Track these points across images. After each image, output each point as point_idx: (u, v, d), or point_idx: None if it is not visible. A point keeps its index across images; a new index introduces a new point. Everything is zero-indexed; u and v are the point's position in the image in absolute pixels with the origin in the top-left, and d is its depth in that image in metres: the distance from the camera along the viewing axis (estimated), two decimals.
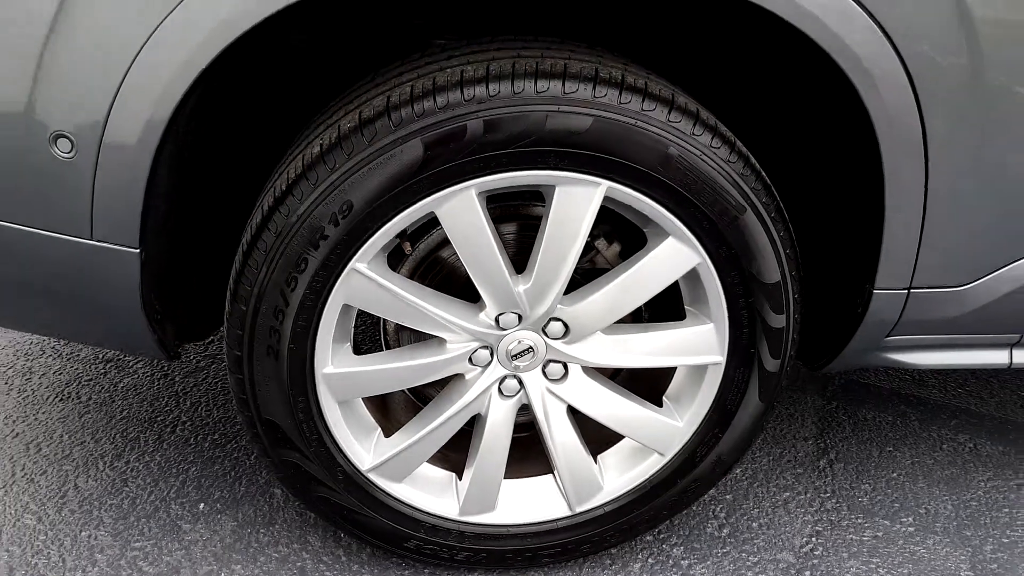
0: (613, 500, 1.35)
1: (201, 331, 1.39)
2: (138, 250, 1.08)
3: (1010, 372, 1.91)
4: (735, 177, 1.11)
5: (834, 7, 1.01)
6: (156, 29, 0.94)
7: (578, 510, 1.35)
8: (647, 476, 1.34)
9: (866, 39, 1.03)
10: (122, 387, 1.85)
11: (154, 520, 1.50)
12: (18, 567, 1.41)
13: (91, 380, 1.87)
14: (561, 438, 1.30)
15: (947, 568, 1.45)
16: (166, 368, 1.90)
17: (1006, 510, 1.57)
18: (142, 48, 0.95)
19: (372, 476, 1.28)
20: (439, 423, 1.26)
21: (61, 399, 1.81)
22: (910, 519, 1.55)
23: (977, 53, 1.04)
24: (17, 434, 1.71)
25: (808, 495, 1.60)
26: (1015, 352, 1.37)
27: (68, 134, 1.00)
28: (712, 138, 1.09)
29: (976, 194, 1.15)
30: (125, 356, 1.95)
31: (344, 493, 1.28)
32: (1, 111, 0.99)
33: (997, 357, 1.38)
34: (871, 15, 1.02)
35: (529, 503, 1.37)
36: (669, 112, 1.07)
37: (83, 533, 1.47)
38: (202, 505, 1.54)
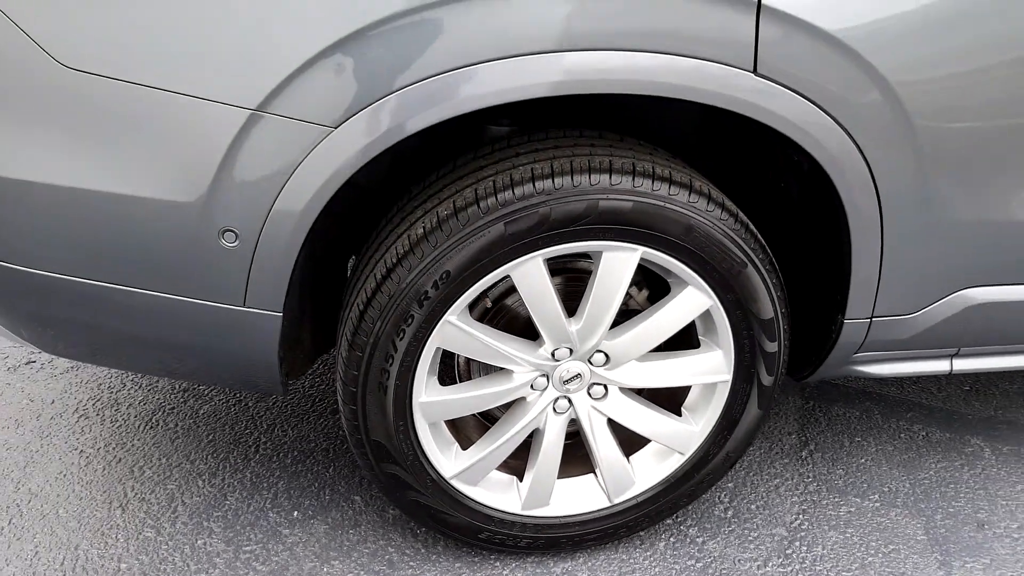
0: (643, 492, 1.68)
1: (300, 370, 1.68)
2: (280, 313, 1.38)
3: (951, 376, 2.27)
4: (739, 240, 1.44)
5: (812, 119, 1.34)
6: (308, 155, 1.24)
7: (616, 501, 1.68)
8: (670, 471, 1.67)
9: (830, 137, 1.36)
10: (203, 414, 2.13)
11: (257, 527, 1.79)
12: (150, 572, 1.69)
13: (174, 408, 2.14)
14: (603, 444, 1.62)
15: (907, 534, 1.80)
16: (239, 396, 2.18)
17: (952, 486, 1.94)
18: (298, 166, 1.25)
19: (453, 482, 1.59)
20: (507, 438, 1.57)
21: (150, 426, 2.08)
22: (876, 496, 1.90)
23: (916, 145, 1.38)
24: (120, 459, 1.98)
25: (794, 480, 1.95)
26: (954, 361, 1.73)
27: (234, 229, 1.29)
28: (721, 211, 1.42)
29: (919, 247, 1.49)
30: (199, 387, 2.22)
31: (432, 496, 1.59)
32: (180, 212, 1.27)
33: (940, 366, 1.73)
34: (834, 119, 1.35)
35: (575, 497, 1.69)
36: (689, 194, 1.39)
37: (198, 541, 1.76)
38: (296, 513, 1.83)
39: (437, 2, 1.18)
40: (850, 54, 1.30)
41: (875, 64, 1.31)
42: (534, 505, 1.66)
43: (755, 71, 1.29)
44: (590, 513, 1.68)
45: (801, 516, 1.84)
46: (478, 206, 1.35)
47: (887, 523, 1.83)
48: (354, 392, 1.46)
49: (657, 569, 1.71)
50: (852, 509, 1.86)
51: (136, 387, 2.22)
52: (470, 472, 1.60)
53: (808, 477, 1.96)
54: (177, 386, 2.22)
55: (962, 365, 1.73)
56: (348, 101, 1.22)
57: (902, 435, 2.10)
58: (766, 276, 1.48)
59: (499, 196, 1.35)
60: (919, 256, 1.51)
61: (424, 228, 1.37)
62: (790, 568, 1.71)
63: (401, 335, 1.41)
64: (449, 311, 1.41)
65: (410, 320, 1.40)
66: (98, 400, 2.17)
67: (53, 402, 2.16)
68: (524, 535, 1.67)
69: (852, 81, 1.32)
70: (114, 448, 2.01)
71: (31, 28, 1.18)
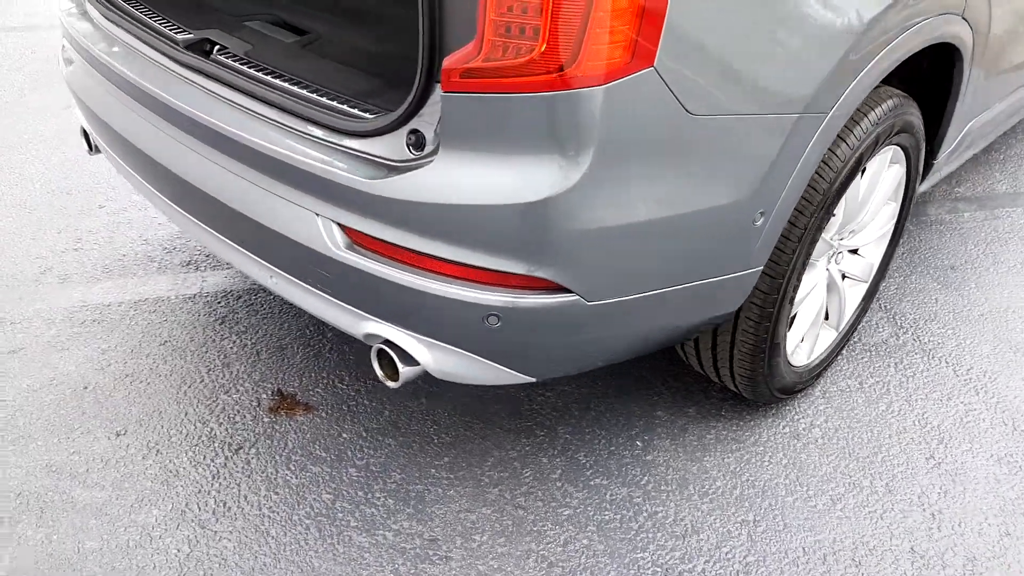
0: (850, 317, 2.39)
1: None
2: (762, 267, 1.75)
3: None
4: (920, 126, 2.16)
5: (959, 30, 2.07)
6: (814, 137, 1.62)
7: (840, 328, 2.36)
8: (860, 296, 2.41)
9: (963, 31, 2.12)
10: (460, 406, 2.22)
11: (627, 465, 2.10)
12: (606, 531, 1.93)
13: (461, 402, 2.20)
14: (841, 291, 2.28)
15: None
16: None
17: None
18: (807, 149, 1.62)
19: (789, 356, 2.13)
20: (813, 316, 2.15)
21: (450, 434, 2.14)
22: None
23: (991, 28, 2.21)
24: (456, 461, 2.05)
25: None
26: (944, 167, 2.71)
27: (763, 210, 1.62)
28: (919, 111, 2.11)
29: (970, 105, 2.37)
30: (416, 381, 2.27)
31: (783, 370, 2.11)
32: (740, 207, 1.57)
33: (958, 162, 2.70)
34: (972, 30, 2.11)
35: (821, 342, 2.33)
36: (911, 104, 2.06)
37: (607, 496, 2.02)
38: (637, 443, 2.17)
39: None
40: None
41: None
42: (810, 356, 2.27)
43: (962, 16, 1.98)
44: (829, 347, 2.35)
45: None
46: (846, 144, 1.85)
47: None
48: (770, 312, 1.90)
49: (867, 371, 2.44)
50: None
51: (370, 397, 2.19)
52: (790, 347, 2.14)
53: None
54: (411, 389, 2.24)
55: (947, 168, 2.72)
56: (842, 91, 1.63)
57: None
58: (924, 144, 2.24)
59: (855, 132, 1.86)
60: (969, 110, 2.40)
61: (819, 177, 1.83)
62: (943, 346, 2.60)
63: (807, 259, 1.88)
64: (822, 232, 1.92)
65: (812, 248, 1.88)
66: (396, 419, 2.11)
67: (343, 435, 2.05)
68: (805, 380, 2.28)
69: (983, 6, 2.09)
70: (452, 463, 2.06)
71: (676, 88, 1.36)
